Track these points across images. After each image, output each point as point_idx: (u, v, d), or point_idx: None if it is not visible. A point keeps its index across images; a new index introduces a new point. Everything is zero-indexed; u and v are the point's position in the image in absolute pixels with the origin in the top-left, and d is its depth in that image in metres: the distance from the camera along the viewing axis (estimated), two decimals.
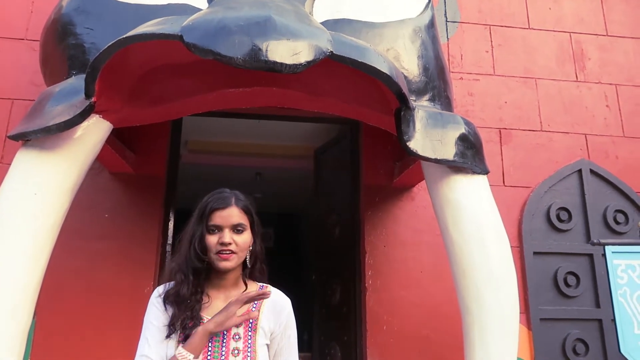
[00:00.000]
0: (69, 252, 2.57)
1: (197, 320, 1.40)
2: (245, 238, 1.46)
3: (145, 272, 2.68)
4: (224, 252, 1.43)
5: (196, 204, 1.51)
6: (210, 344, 1.39)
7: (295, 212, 7.48)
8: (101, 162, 2.64)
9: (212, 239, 1.44)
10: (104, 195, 2.76)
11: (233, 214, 1.45)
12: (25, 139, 1.77)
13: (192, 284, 1.42)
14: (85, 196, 2.58)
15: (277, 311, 1.50)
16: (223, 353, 1.40)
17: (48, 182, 1.74)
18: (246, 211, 1.49)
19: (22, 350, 1.65)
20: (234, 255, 1.44)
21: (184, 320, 1.39)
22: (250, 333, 1.44)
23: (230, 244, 1.43)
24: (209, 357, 1.39)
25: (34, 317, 1.75)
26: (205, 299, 1.45)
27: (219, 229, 1.44)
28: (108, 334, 2.55)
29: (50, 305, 2.48)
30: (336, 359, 3.10)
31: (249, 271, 1.53)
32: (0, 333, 1.59)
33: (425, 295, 2.84)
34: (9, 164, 1.79)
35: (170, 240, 2.92)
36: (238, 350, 1.41)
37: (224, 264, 1.43)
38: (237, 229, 1.45)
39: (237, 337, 1.43)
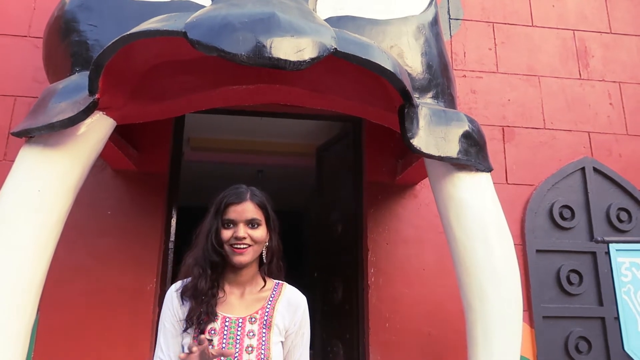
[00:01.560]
0: (72, 249, 2.58)
1: (212, 315, 1.41)
2: (260, 233, 1.47)
3: (148, 269, 2.68)
4: (239, 246, 1.43)
5: (212, 199, 1.52)
6: (224, 341, 1.40)
7: (297, 209, 7.47)
8: (104, 159, 2.64)
9: (227, 234, 1.45)
10: (107, 193, 2.76)
11: (248, 209, 1.46)
12: (28, 135, 1.77)
13: (209, 278, 1.44)
14: (88, 193, 2.58)
15: (292, 309, 1.50)
16: (237, 350, 1.40)
17: (51, 179, 1.74)
18: (261, 206, 1.50)
19: (26, 346, 1.66)
20: (249, 249, 1.44)
21: (199, 315, 1.40)
22: (264, 330, 1.44)
23: (244, 238, 1.43)
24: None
25: (37, 314, 1.76)
26: (220, 294, 1.46)
27: (234, 223, 1.45)
28: (110, 330, 2.56)
29: (53, 301, 2.49)
30: (338, 356, 3.10)
31: (266, 268, 1.53)
32: (4, 329, 1.59)
33: (428, 293, 2.84)
34: (12, 161, 1.79)
35: (172, 238, 2.92)
36: (252, 347, 1.41)
37: (239, 259, 1.44)
38: (251, 223, 1.46)
39: (251, 334, 1.43)
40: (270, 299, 1.50)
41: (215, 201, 1.50)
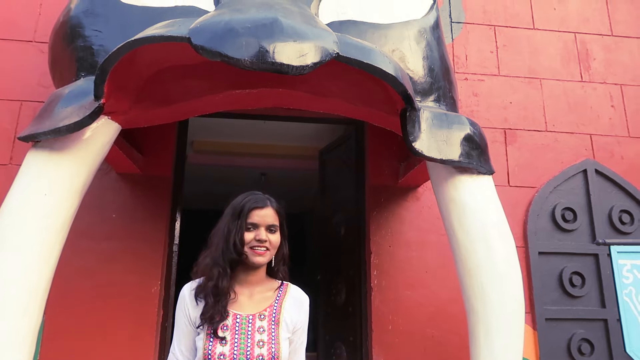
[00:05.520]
0: (78, 251, 2.60)
1: (223, 314, 1.49)
2: (277, 238, 1.58)
3: (153, 271, 2.70)
4: (259, 248, 1.54)
5: (228, 202, 1.61)
6: (236, 336, 1.47)
7: (300, 212, 7.49)
8: (109, 163, 2.67)
9: (248, 236, 1.54)
10: (112, 196, 2.78)
11: (269, 215, 1.57)
12: (35, 140, 1.79)
13: (229, 277, 1.52)
14: (93, 196, 2.61)
15: (298, 306, 1.59)
16: (249, 345, 1.47)
17: (58, 182, 1.76)
18: (279, 213, 1.61)
19: (33, 348, 1.68)
20: (267, 252, 1.55)
21: (212, 314, 1.47)
22: (273, 326, 1.51)
23: (266, 241, 1.54)
24: (235, 350, 1.45)
25: (43, 316, 1.77)
26: (232, 294, 1.54)
27: (255, 227, 1.55)
28: (116, 332, 2.57)
29: (59, 304, 2.51)
30: (342, 358, 3.11)
31: (277, 272, 1.62)
32: (11, 331, 1.61)
33: (431, 295, 2.85)
34: (19, 165, 1.82)
35: (177, 240, 2.94)
36: (263, 342, 1.48)
37: (258, 259, 1.54)
38: (271, 228, 1.57)
39: (261, 330, 1.50)
40: (277, 297, 1.58)
41: (233, 205, 1.59)
